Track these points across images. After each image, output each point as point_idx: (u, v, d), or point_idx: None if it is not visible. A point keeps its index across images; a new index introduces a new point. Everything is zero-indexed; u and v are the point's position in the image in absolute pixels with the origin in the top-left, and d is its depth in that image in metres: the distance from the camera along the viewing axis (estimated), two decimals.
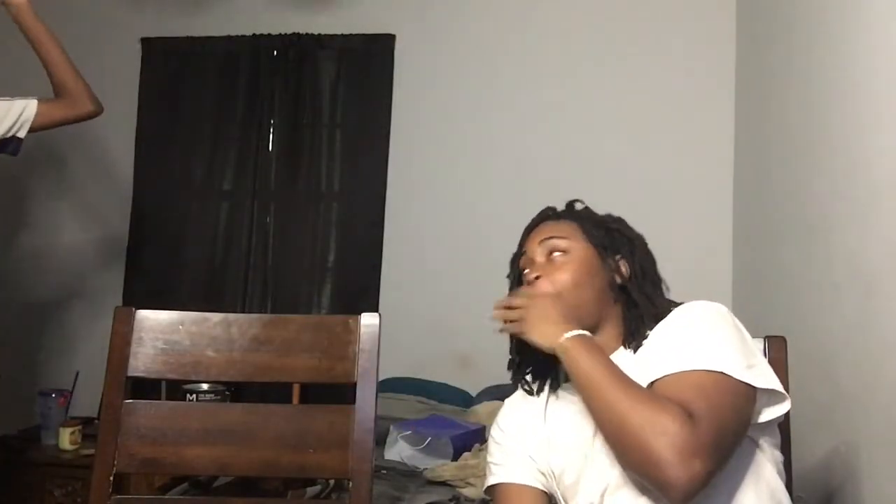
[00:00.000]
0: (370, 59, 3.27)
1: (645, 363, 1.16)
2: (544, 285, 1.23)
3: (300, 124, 3.29)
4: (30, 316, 3.29)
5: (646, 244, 1.33)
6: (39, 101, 2.32)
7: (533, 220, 1.34)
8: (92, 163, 3.39)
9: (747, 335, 1.17)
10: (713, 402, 1.04)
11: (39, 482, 2.80)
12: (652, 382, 1.11)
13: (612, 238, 1.30)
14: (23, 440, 2.93)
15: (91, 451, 2.25)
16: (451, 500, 2.03)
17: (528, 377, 1.31)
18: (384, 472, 2.21)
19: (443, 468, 2.19)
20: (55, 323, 3.33)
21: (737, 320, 1.18)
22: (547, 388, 1.29)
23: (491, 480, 1.29)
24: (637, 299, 1.25)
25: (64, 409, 2.94)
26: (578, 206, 1.36)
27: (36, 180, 3.40)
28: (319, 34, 3.28)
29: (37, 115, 2.31)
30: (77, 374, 3.01)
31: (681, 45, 3.09)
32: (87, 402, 2.92)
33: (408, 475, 2.22)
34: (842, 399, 1.64)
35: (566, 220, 1.32)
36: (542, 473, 1.25)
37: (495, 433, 1.32)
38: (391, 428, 2.42)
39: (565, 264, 1.25)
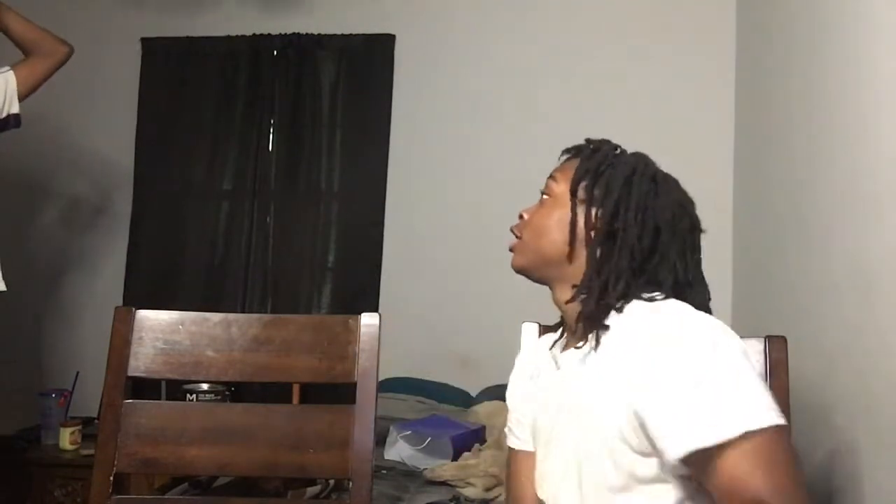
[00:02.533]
0: (370, 59, 3.27)
1: (610, 377, 1.04)
2: (520, 226, 1.22)
3: (300, 124, 3.29)
4: (30, 316, 3.29)
5: (660, 204, 1.13)
6: (13, 68, 2.31)
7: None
8: (92, 162, 3.39)
9: (743, 348, 1.00)
10: (779, 478, 0.91)
11: (39, 482, 2.80)
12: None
13: (595, 182, 1.16)
14: (23, 440, 2.93)
15: (91, 451, 2.25)
16: (451, 500, 2.03)
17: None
18: (384, 472, 2.21)
19: (443, 468, 2.19)
20: (55, 323, 3.33)
21: (727, 331, 1.01)
22: (554, 346, 1.24)
23: (508, 443, 1.33)
24: (590, 263, 1.13)
25: (64, 409, 2.94)
26: (602, 147, 1.21)
27: (35, 180, 3.40)
28: (319, 34, 3.28)
29: (19, 84, 2.30)
30: (77, 374, 3.01)
31: (680, 46, 3.08)
32: (87, 402, 2.92)
33: (408, 475, 2.22)
34: (842, 399, 1.64)
35: (576, 158, 1.21)
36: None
37: (507, 393, 1.34)
38: (391, 428, 2.42)
39: (541, 207, 1.21)
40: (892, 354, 1.41)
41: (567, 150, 1.24)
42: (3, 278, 2.21)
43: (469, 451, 2.33)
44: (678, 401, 0.95)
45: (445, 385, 2.97)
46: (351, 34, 3.27)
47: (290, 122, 3.30)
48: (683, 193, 1.18)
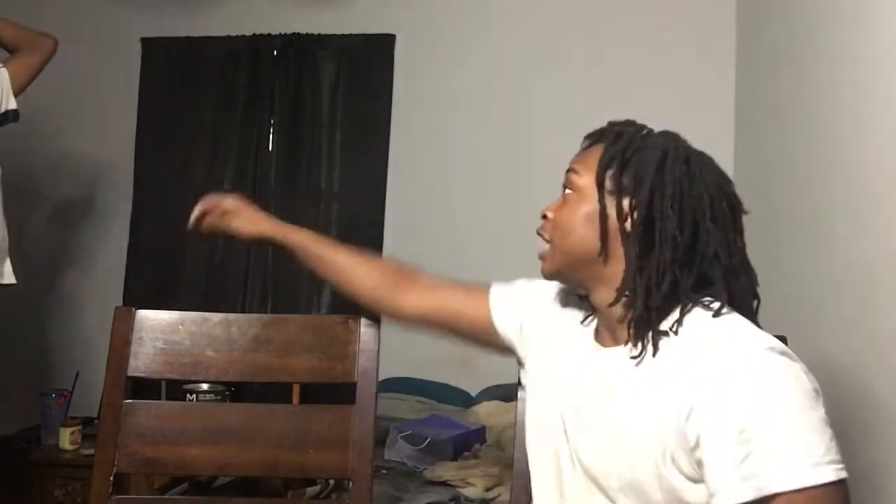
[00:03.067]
0: (370, 59, 3.27)
1: (671, 395, 0.97)
2: (545, 227, 1.13)
3: (300, 124, 3.29)
4: (30, 316, 3.29)
5: (697, 189, 1.04)
6: (4, 65, 2.32)
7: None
8: (92, 162, 3.38)
9: (813, 390, 0.96)
10: None
11: (39, 482, 2.80)
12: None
13: (623, 169, 1.06)
14: (23, 440, 2.93)
15: (91, 451, 2.25)
16: (451, 500, 2.03)
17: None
18: (384, 472, 2.21)
19: (443, 468, 2.19)
20: (55, 323, 3.33)
21: (800, 375, 0.96)
22: (584, 323, 1.17)
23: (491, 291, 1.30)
24: (628, 259, 1.03)
25: (64, 409, 2.94)
26: (626, 129, 1.11)
27: (35, 180, 3.39)
28: (319, 34, 3.28)
29: (11, 80, 2.31)
30: (77, 374, 3.01)
31: (681, 45, 3.08)
32: (87, 402, 2.92)
33: (408, 475, 2.22)
34: (842, 399, 1.64)
35: (600, 144, 1.11)
36: (510, 336, 1.25)
37: (520, 284, 1.29)
38: (391, 428, 2.42)
39: (565, 204, 1.10)
40: (892, 354, 1.41)
41: (589, 136, 1.14)
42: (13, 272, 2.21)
43: (469, 451, 2.34)
44: (738, 447, 0.90)
45: (445, 385, 2.97)
46: (351, 34, 3.27)
47: (290, 122, 3.30)
48: (720, 172, 1.09)
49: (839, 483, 0.89)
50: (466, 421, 2.60)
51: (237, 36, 3.31)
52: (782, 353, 0.96)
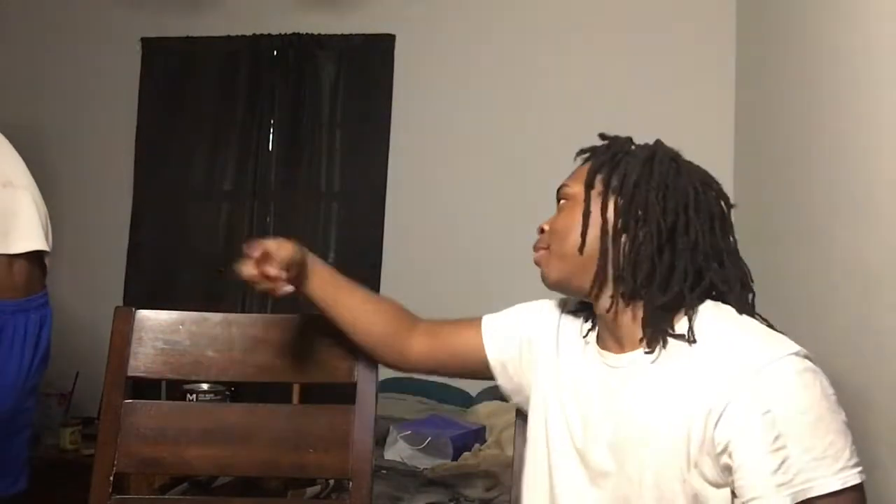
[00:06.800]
0: (370, 59, 3.27)
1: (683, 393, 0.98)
2: (542, 240, 1.13)
3: (300, 124, 3.29)
4: None
5: (682, 182, 1.06)
6: None
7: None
8: (92, 162, 3.38)
9: (830, 392, 0.97)
10: None
11: (39, 482, 2.79)
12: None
13: (612, 171, 1.08)
14: None
15: (91, 451, 2.25)
16: (451, 500, 2.03)
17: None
18: (384, 472, 2.21)
19: (443, 468, 2.19)
20: (55, 323, 3.32)
21: (817, 374, 0.97)
22: (588, 335, 1.15)
23: (484, 323, 1.27)
24: (613, 257, 1.04)
25: (64, 409, 2.94)
26: (616, 139, 1.14)
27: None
28: (319, 34, 3.28)
29: None
30: (77, 374, 3.01)
31: (681, 45, 3.09)
32: (87, 402, 2.92)
33: (408, 475, 2.22)
34: (842, 399, 1.64)
35: (592, 158, 1.13)
36: (505, 365, 1.22)
37: (520, 311, 1.25)
38: (391, 428, 2.42)
39: (560, 212, 1.13)
40: (891, 354, 1.41)
41: (582, 151, 1.16)
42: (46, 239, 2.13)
43: (469, 451, 2.34)
44: (773, 454, 0.91)
45: (445, 385, 2.97)
46: (351, 34, 3.27)
47: (290, 122, 3.30)
48: (706, 173, 1.12)
49: (860, 485, 0.94)
50: (466, 421, 2.60)
51: (237, 36, 3.32)
52: (805, 357, 0.97)
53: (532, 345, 1.21)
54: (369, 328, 1.28)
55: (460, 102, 3.22)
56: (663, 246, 1.03)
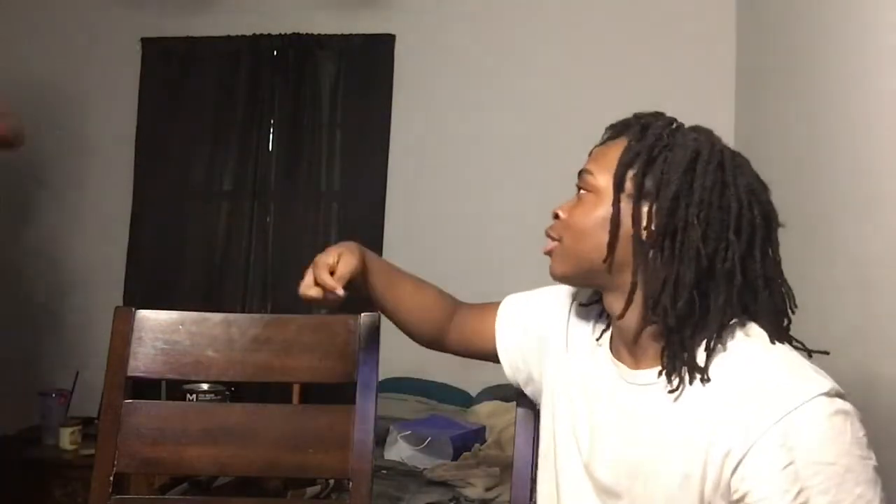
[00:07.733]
0: (370, 59, 3.26)
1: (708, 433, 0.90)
2: (556, 227, 1.04)
3: (300, 124, 3.29)
4: (30, 316, 3.29)
5: (727, 198, 0.94)
6: None
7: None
8: (92, 162, 3.38)
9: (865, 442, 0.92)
10: None
11: (39, 482, 2.80)
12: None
13: (646, 171, 0.95)
14: (23, 440, 2.93)
15: (91, 451, 2.25)
16: (451, 500, 2.03)
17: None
18: (384, 472, 2.21)
19: (443, 468, 2.19)
20: (55, 323, 3.33)
21: (854, 425, 0.91)
22: (600, 334, 1.09)
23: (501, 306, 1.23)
24: (638, 271, 0.94)
25: (64, 409, 2.94)
26: (653, 123, 1.01)
27: (36, 180, 3.39)
28: (319, 34, 3.28)
29: None
30: (77, 374, 3.01)
31: (681, 45, 3.08)
32: (87, 402, 2.92)
33: (408, 475, 2.22)
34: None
35: (623, 137, 1.00)
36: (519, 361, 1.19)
37: (532, 302, 1.20)
38: (391, 428, 2.42)
39: (580, 205, 1.01)
40: (892, 354, 1.41)
41: (612, 126, 1.04)
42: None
43: (469, 451, 2.34)
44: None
45: (445, 385, 2.97)
46: (351, 34, 3.27)
47: (290, 122, 3.30)
48: (755, 177, 1.01)
49: None
50: (466, 421, 2.61)
51: (237, 36, 3.31)
52: (837, 396, 0.89)
53: (543, 339, 1.17)
54: (415, 318, 1.28)
55: (460, 102, 3.21)
56: (702, 275, 0.93)
